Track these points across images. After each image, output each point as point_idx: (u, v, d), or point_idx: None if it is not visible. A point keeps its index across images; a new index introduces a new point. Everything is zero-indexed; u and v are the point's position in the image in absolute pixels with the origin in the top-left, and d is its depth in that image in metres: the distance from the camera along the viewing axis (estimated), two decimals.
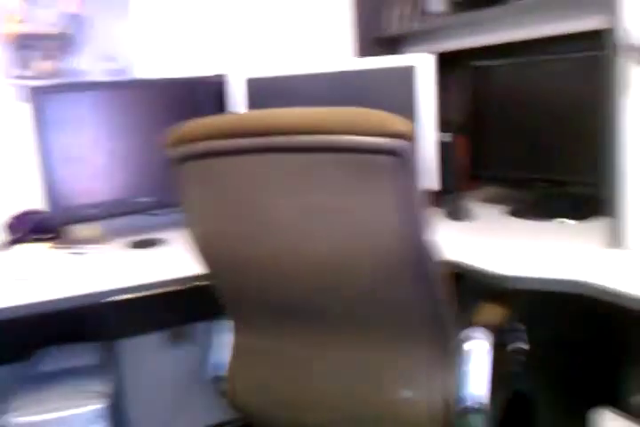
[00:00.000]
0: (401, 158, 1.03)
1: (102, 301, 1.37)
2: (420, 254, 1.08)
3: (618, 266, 1.24)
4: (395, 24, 2.31)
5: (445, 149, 1.91)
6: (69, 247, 1.72)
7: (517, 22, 1.88)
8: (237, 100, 1.88)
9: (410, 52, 2.38)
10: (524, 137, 1.77)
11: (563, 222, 1.63)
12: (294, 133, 1.05)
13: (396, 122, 1.02)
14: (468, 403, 1.17)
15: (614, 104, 1.31)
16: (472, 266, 1.32)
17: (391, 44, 2.39)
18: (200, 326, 2.20)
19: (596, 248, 1.37)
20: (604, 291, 1.14)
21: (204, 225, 1.22)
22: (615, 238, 1.35)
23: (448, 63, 2.33)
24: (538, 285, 1.22)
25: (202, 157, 1.15)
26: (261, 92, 1.88)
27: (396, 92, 1.81)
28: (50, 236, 1.81)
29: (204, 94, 1.90)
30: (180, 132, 1.16)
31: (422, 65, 1.77)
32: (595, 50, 1.58)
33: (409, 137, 1.02)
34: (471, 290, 1.48)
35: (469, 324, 1.24)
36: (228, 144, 1.10)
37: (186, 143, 1.15)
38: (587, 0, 1.57)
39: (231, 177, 1.12)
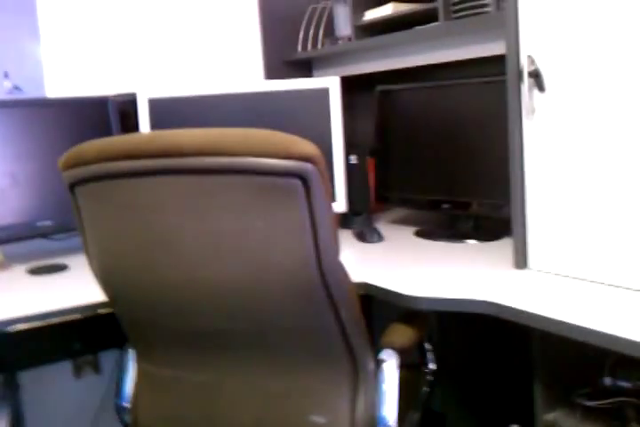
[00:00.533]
0: (307, 181, 1.02)
1: (1, 330, 1.29)
2: (329, 277, 1.07)
3: (519, 285, 1.28)
4: (304, 47, 2.33)
5: (353, 171, 1.93)
6: None
7: (422, 47, 1.93)
8: (142, 121, 1.84)
9: (318, 75, 2.40)
10: (429, 160, 1.81)
11: (468, 243, 1.67)
12: (197, 155, 1.03)
13: (300, 144, 1.02)
14: (377, 425, 1.17)
15: (515, 128, 1.36)
16: (381, 287, 1.33)
17: (300, 67, 2.41)
18: (106, 356, 2.11)
19: (499, 268, 1.41)
20: (507, 310, 1.17)
21: (102, 251, 1.18)
22: (517, 258, 1.39)
23: (356, 86, 2.38)
24: (444, 305, 1.24)
25: (96, 180, 1.11)
26: (164, 112, 1.85)
27: (307, 114, 1.82)
28: None
29: (111, 114, 1.85)
30: (73, 153, 1.12)
31: (332, 87, 1.79)
32: (497, 75, 1.64)
33: (314, 159, 1.02)
34: (380, 311, 1.49)
35: (379, 346, 1.24)
36: (125, 166, 1.06)
37: (80, 165, 1.10)
38: (489, 26, 1.63)
39: (130, 200, 1.09)
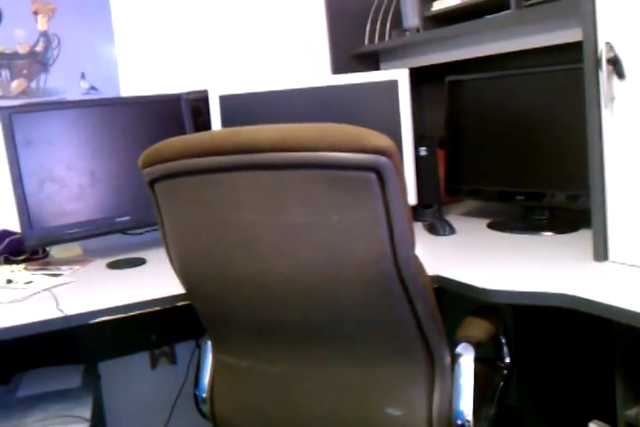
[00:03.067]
0: (382, 174, 1.02)
1: (81, 323, 1.34)
2: (405, 270, 1.07)
3: (601, 278, 1.25)
4: (371, 40, 2.32)
5: (423, 164, 1.91)
6: (45, 269, 1.69)
7: (492, 36, 1.90)
8: (214, 118, 1.87)
9: (386, 67, 2.39)
10: (502, 150, 1.78)
11: (543, 235, 1.63)
12: (273, 151, 1.04)
13: (375, 137, 1.02)
14: (454, 419, 1.16)
15: (593, 116, 1.32)
16: (455, 280, 1.32)
17: (368, 60, 2.40)
18: (183, 347, 2.17)
19: (577, 261, 1.38)
20: (588, 304, 1.14)
21: (181, 245, 1.21)
22: (597, 250, 1.35)
23: (424, 78, 2.36)
24: (521, 299, 1.22)
25: (176, 177, 1.14)
26: (235, 109, 1.88)
27: (376, 107, 1.82)
28: (23, 257, 1.78)
29: (184, 112, 1.89)
30: (153, 151, 1.15)
31: (401, 79, 1.78)
32: (570, 63, 1.60)
33: (389, 153, 1.02)
34: (455, 305, 1.48)
35: (454, 339, 1.23)
36: (204, 162, 1.09)
37: (160, 163, 1.13)
38: (562, 13, 1.59)
39: (207, 195, 1.11)
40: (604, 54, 1.27)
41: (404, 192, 1.07)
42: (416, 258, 1.09)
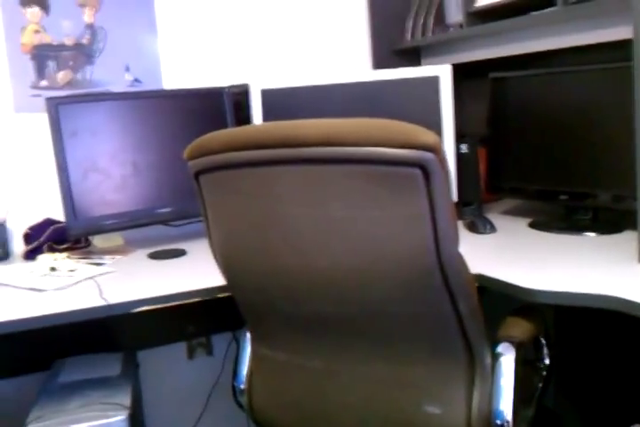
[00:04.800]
0: (427, 170, 1.02)
1: (123, 312, 1.36)
2: (448, 267, 1.07)
3: None
4: (412, 35, 2.30)
5: (464, 161, 1.90)
6: (88, 257, 1.72)
7: (537, 33, 1.87)
8: (255, 112, 1.88)
9: (427, 63, 2.37)
10: (544, 149, 1.76)
11: (587, 236, 1.61)
12: (318, 145, 1.04)
13: (421, 133, 1.02)
14: (493, 419, 1.15)
15: (635, 116, 1.30)
16: (497, 279, 1.31)
17: (409, 56, 2.39)
18: (221, 338, 2.19)
19: (622, 263, 1.35)
20: (632, 305, 1.12)
21: (224, 236, 1.22)
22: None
23: (466, 74, 2.33)
24: (565, 299, 1.20)
25: (221, 169, 1.15)
26: (277, 103, 1.88)
27: (418, 103, 1.81)
28: (66, 246, 1.81)
29: (226, 105, 1.90)
30: (199, 143, 1.16)
31: (444, 75, 1.77)
32: (618, 61, 1.57)
33: (436, 149, 1.01)
34: (496, 304, 1.46)
35: (494, 338, 1.22)
36: (249, 156, 1.10)
37: (205, 155, 1.14)
38: (609, 10, 1.56)
39: (252, 189, 1.12)
40: None
41: (449, 189, 1.06)
42: (460, 255, 1.09)
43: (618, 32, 1.61)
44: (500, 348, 1.19)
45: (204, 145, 1.16)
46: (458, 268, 1.08)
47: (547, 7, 1.74)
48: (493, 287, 1.32)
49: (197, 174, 1.20)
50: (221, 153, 1.13)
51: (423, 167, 1.02)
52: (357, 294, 1.12)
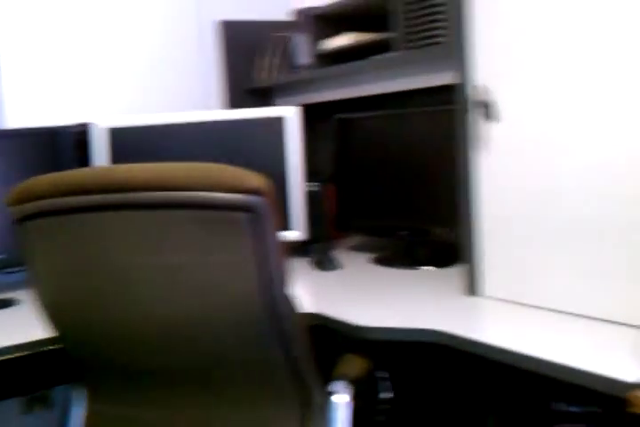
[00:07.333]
0: (255, 214, 1.03)
1: None
2: (278, 310, 1.07)
3: (470, 313, 1.29)
4: (264, 76, 2.35)
5: (312, 199, 1.94)
6: None
7: (379, 76, 1.96)
8: (100, 152, 1.83)
9: (279, 103, 2.42)
10: (385, 187, 1.83)
11: (424, 270, 1.68)
12: (146, 190, 1.03)
13: (248, 177, 1.02)
14: None
15: (466, 156, 1.38)
16: (332, 318, 1.33)
17: (261, 96, 2.43)
18: (59, 391, 2.07)
19: (452, 295, 1.42)
20: (458, 340, 1.17)
21: (51, 287, 1.16)
22: (470, 285, 1.40)
23: (318, 115, 2.40)
24: (395, 335, 1.24)
25: (46, 215, 1.10)
26: (126, 142, 1.85)
27: (265, 143, 1.83)
28: None
29: (62, 145, 1.83)
30: (21, 189, 1.11)
31: (290, 116, 1.80)
32: (449, 104, 1.67)
33: (262, 192, 1.03)
34: (333, 342, 1.49)
35: (331, 377, 1.23)
36: (76, 201, 1.06)
37: (29, 201, 1.09)
38: (443, 56, 1.65)
39: (78, 236, 1.08)
40: (474, 97, 1.34)
41: (278, 231, 1.07)
42: (289, 298, 1.09)
43: (450, 77, 1.72)
44: (335, 386, 1.21)
45: (27, 190, 1.11)
46: (288, 311, 1.08)
47: (388, 51, 1.83)
48: (330, 326, 1.34)
49: (21, 221, 1.14)
50: (46, 198, 1.08)
51: (250, 211, 1.02)
52: (189, 344, 1.10)
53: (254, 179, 1.03)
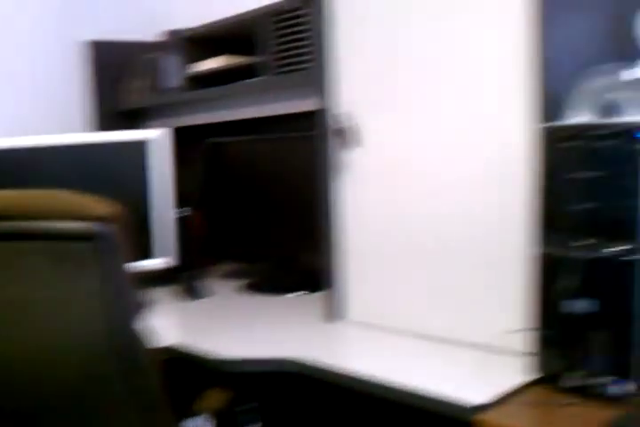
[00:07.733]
0: (101, 243, 0.97)
1: None
2: (126, 348, 1.01)
3: (330, 340, 1.27)
4: (134, 98, 2.28)
5: (181, 225, 1.88)
6: None
7: (249, 101, 1.95)
8: None
9: (151, 126, 2.35)
10: (255, 213, 1.81)
11: (293, 296, 1.66)
12: None
13: (93, 205, 0.97)
14: None
15: (327, 182, 1.38)
16: (192, 351, 1.27)
17: (132, 119, 2.36)
18: None
19: (317, 322, 1.40)
20: (310, 368, 1.15)
21: None
22: (334, 310, 1.39)
23: (188, 138, 2.35)
24: (253, 366, 1.20)
25: None
26: None
27: (130, 166, 1.76)
28: None
29: None
30: None
31: (157, 139, 1.74)
32: (312, 130, 1.67)
33: (109, 220, 0.97)
34: (199, 374, 1.43)
35: (193, 412, 1.18)
36: None
37: None
38: (306, 83, 1.66)
39: None
40: (335, 123, 1.34)
41: (129, 261, 1.02)
42: (139, 333, 1.04)
43: (313, 103, 1.73)
44: (195, 422, 1.15)
45: None
46: (137, 347, 1.02)
47: (259, 76, 1.81)
48: (188, 359, 1.28)
49: None
50: None
51: (94, 240, 0.97)
52: (40, 378, 1.02)
53: (99, 206, 0.98)
